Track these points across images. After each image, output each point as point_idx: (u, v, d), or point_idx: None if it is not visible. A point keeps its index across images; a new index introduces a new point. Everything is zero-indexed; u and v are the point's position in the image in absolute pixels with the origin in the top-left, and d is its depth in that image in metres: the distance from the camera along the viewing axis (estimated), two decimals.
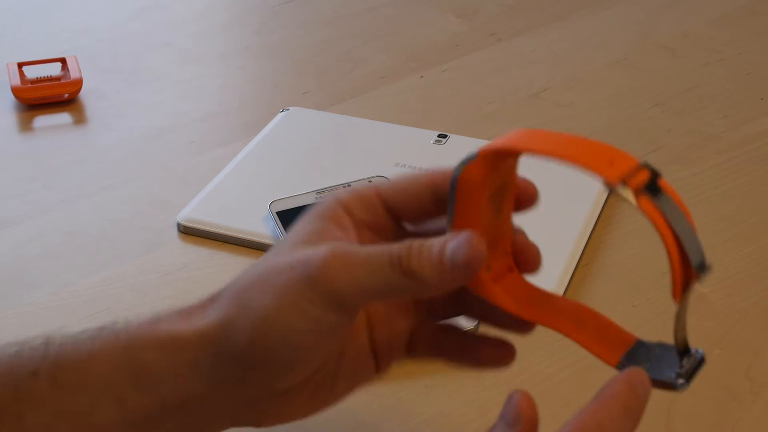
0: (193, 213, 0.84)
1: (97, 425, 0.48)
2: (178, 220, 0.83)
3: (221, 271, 0.79)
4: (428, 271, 0.46)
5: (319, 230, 0.50)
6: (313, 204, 0.77)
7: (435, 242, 0.47)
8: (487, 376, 0.65)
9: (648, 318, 0.74)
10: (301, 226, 0.51)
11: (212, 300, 0.51)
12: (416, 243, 0.47)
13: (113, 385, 0.48)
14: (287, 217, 0.80)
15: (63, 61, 1.04)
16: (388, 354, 0.53)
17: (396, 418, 0.65)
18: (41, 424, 0.47)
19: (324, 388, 0.51)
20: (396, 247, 0.47)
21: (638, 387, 0.45)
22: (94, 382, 0.48)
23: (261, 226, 0.81)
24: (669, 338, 0.72)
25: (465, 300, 0.54)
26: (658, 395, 0.67)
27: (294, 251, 0.48)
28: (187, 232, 0.83)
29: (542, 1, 1.21)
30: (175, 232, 0.83)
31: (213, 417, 0.50)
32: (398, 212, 0.52)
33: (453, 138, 0.92)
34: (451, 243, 0.46)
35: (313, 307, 0.46)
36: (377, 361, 0.53)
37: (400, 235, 0.52)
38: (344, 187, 0.83)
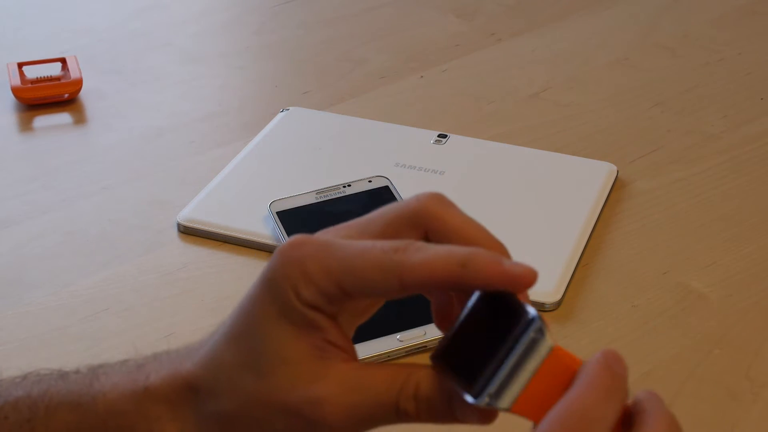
0: (193, 213, 0.84)
1: None
2: (178, 220, 0.83)
3: (221, 271, 0.79)
4: (438, 422, 0.45)
5: (294, 340, 0.45)
6: (313, 208, 0.76)
7: (441, 393, 0.45)
8: None
9: (648, 318, 0.74)
10: (273, 331, 0.45)
11: (196, 394, 0.47)
12: (423, 393, 0.45)
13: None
14: (287, 217, 0.80)
15: (63, 61, 1.04)
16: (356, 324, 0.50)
17: None
18: None
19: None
20: (402, 399, 0.45)
21: (614, 366, 0.43)
22: None
23: (261, 226, 0.81)
24: (670, 339, 0.72)
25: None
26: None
27: (286, 384, 0.45)
28: (187, 232, 0.83)
29: (542, 1, 1.21)
30: (175, 232, 0.83)
31: None
32: (361, 300, 0.47)
33: (453, 138, 0.92)
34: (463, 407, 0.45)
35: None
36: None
37: (361, 305, 0.48)
38: (344, 187, 0.82)
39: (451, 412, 0.44)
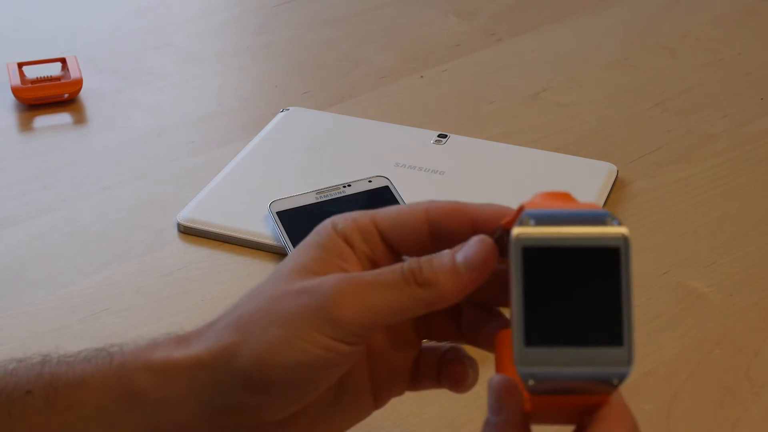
0: (193, 213, 0.84)
1: None
2: (178, 220, 0.83)
3: (221, 271, 0.79)
4: (443, 278, 0.46)
5: (321, 259, 0.49)
6: (313, 208, 0.76)
7: (444, 252, 0.47)
8: (487, 376, 0.65)
9: (648, 318, 0.74)
10: (300, 254, 0.49)
11: (209, 327, 0.49)
12: (425, 257, 0.47)
13: (105, 409, 0.48)
14: (287, 217, 0.80)
15: (63, 61, 1.04)
16: (388, 388, 0.52)
17: (396, 418, 0.65)
18: None
19: (320, 422, 0.51)
20: (405, 264, 0.47)
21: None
22: (86, 405, 0.48)
23: (261, 226, 0.81)
24: (670, 339, 0.72)
25: (465, 327, 0.53)
26: (658, 395, 0.67)
27: (297, 280, 0.48)
28: (187, 232, 0.83)
29: (542, 1, 1.21)
30: (175, 232, 0.83)
31: None
32: (395, 245, 0.50)
33: (453, 138, 0.92)
34: (462, 249, 0.47)
35: (325, 338, 0.46)
36: (376, 395, 0.52)
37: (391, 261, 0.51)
38: (344, 187, 0.83)
39: (454, 266, 0.46)
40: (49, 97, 1.00)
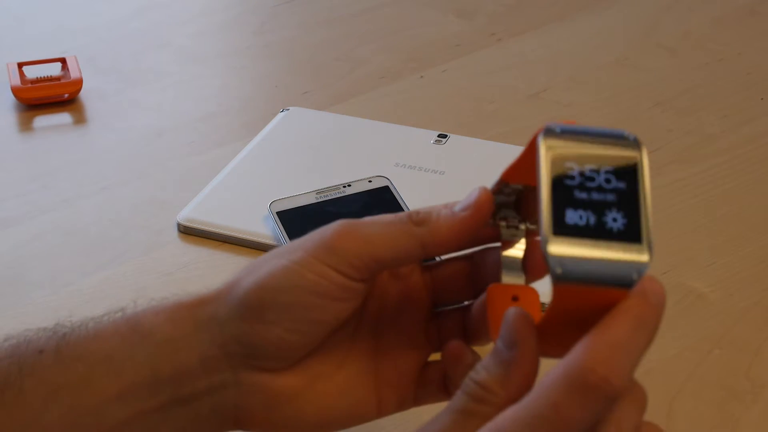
0: (193, 213, 0.84)
1: (94, 396, 0.48)
2: (178, 220, 0.83)
3: (221, 271, 0.79)
4: (437, 216, 0.49)
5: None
6: (313, 208, 0.76)
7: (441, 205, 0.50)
8: None
9: None
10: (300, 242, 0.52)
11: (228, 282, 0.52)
12: (424, 208, 0.50)
13: (111, 356, 0.49)
14: (287, 217, 0.80)
15: (63, 61, 1.04)
16: (392, 389, 0.52)
17: (396, 417, 0.65)
18: (41, 397, 0.48)
19: (322, 412, 0.51)
20: (408, 211, 0.50)
21: (651, 296, 0.42)
22: (94, 354, 0.49)
23: (261, 226, 0.81)
24: (670, 339, 0.72)
25: (474, 329, 0.53)
26: (658, 395, 0.67)
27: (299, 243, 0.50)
28: (187, 232, 0.83)
29: (542, 1, 1.21)
30: (175, 232, 0.83)
31: (204, 405, 0.50)
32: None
33: (453, 138, 0.92)
34: (459, 203, 0.50)
35: (323, 265, 0.48)
36: (379, 395, 0.52)
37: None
38: (344, 187, 0.82)
39: (452, 213, 0.50)
40: (49, 97, 1.00)
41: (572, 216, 0.42)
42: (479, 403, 0.43)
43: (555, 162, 0.42)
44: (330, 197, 0.82)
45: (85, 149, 0.96)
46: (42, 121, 0.99)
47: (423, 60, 1.09)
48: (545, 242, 0.41)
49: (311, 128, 0.96)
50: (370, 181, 0.83)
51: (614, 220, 0.42)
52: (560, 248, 0.41)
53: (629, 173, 0.42)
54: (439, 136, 0.93)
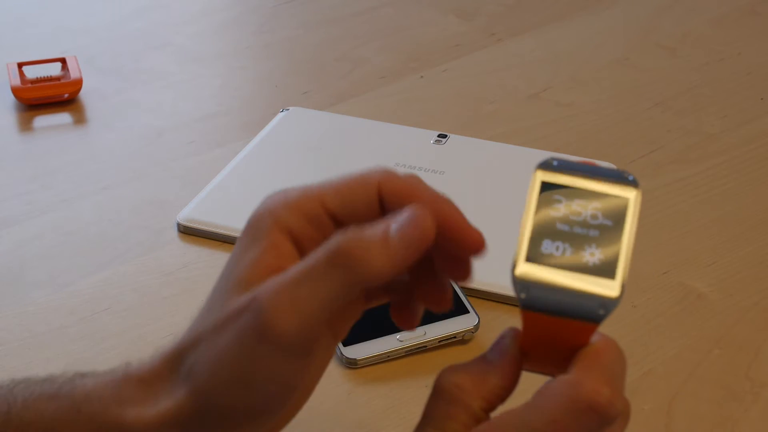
0: (193, 213, 0.84)
1: None
2: (178, 220, 0.83)
3: (221, 271, 0.79)
4: (374, 254, 0.42)
5: (255, 264, 0.46)
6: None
7: (377, 224, 0.44)
8: None
9: (648, 318, 0.74)
10: (235, 260, 0.47)
11: (170, 370, 0.47)
12: (353, 228, 0.43)
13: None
14: None
15: (63, 61, 1.04)
16: (344, 326, 0.49)
17: (396, 417, 0.65)
18: None
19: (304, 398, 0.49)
20: (333, 243, 0.43)
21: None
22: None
23: None
24: (670, 339, 0.72)
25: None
26: (658, 395, 0.67)
27: (234, 298, 0.45)
28: (187, 232, 0.83)
29: (542, 1, 1.21)
30: (175, 232, 0.83)
31: None
32: (346, 221, 0.46)
33: (453, 138, 0.92)
34: (396, 220, 0.43)
35: (276, 361, 0.44)
36: (335, 335, 0.49)
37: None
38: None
39: (388, 235, 0.43)
40: (49, 97, 1.00)
41: (548, 246, 0.42)
42: (453, 406, 0.43)
43: (543, 193, 0.43)
44: None
45: (85, 149, 0.96)
46: (42, 121, 0.99)
47: (423, 60, 1.09)
48: (514, 266, 0.42)
49: (311, 128, 0.96)
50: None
51: (591, 254, 0.42)
52: (528, 273, 0.41)
53: (618, 213, 0.42)
54: (439, 136, 0.93)
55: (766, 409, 0.66)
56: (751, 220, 0.84)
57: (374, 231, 0.43)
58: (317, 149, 0.92)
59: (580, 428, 0.41)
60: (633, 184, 0.43)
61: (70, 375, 0.49)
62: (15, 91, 1.00)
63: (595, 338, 0.43)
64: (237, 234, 0.80)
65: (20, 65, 1.03)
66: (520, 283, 0.42)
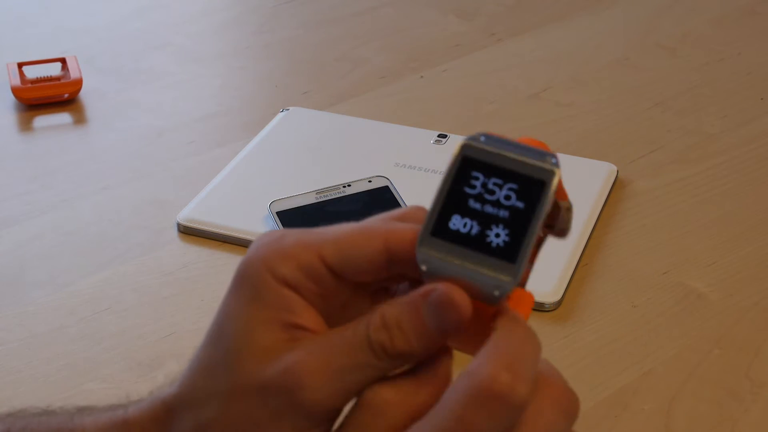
0: (193, 213, 0.84)
1: None
2: (178, 220, 0.83)
3: (221, 271, 0.79)
4: (416, 345, 0.41)
5: (268, 322, 0.43)
6: (313, 208, 0.75)
7: (409, 308, 0.42)
8: None
9: (648, 318, 0.74)
10: (238, 312, 0.44)
11: (170, 419, 0.45)
12: (390, 317, 0.42)
13: None
14: (287, 217, 0.80)
15: (63, 61, 1.04)
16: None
17: None
18: None
19: None
20: (371, 335, 0.41)
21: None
22: None
23: (261, 226, 0.81)
24: (670, 339, 0.72)
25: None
26: (658, 395, 0.67)
27: (254, 368, 0.43)
28: (187, 232, 0.83)
29: (542, 1, 1.21)
30: (175, 232, 0.83)
31: None
32: (348, 277, 0.43)
33: (453, 138, 0.92)
34: (430, 305, 0.41)
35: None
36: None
37: (345, 292, 0.45)
38: (344, 187, 0.83)
39: (426, 330, 0.41)
40: (49, 97, 1.00)
41: (457, 222, 0.42)
42: (377, 418, 0.41)
43: (462, 168, 0.42)
44: (330, 197, 0.82)
45: (85, 149, 0.96)
46: (42, 121, 0.99)
47: (423, 60, 1.09)
48: (419, 239, 0.42)
49: (311, 128, 0.96)
50: (370, 181, 0.83)
51: (497, 236, 0.41)
52: (430, 248, 0.41)
53: (533, 195, 0.42)
54: (439, 136, 0.93)
55: (766, 409, 0.66)
56: (751, 220, 0.84)
57: (414, 322, 0.41)
58: (317, 149, 0.92)
59: (490, 420, 0.38)
60: (553, 167, 0.42)
61: (70, 411, 0.49)
62: (15, 91, 1.00)
63: (502, 321, 0.41)
64: (237, 234, 0.81)
65: (20, 65, 1.03)
66: (420, 255, 0.42)
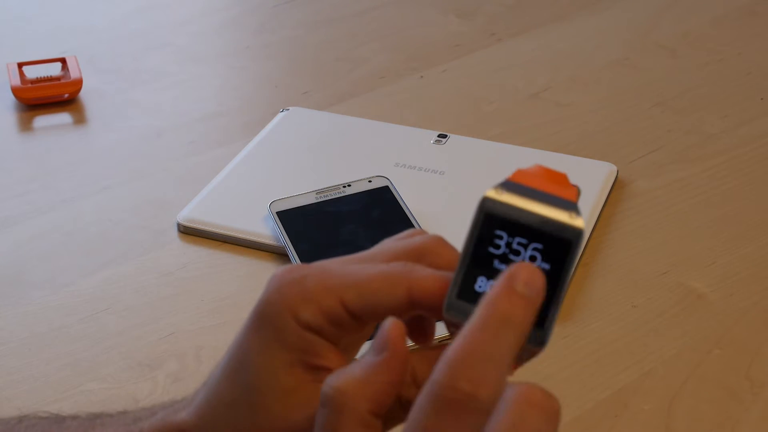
0: (193, 213, 0.84)
1: None
2: (178, 220, 0.83)
3: (221, 271, 0.79)
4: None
5: (291, 365, 0.43)
6: (313, 208, 0.75)
7: None
8: None
9: (648, 318, 0.74)
10: (259, 353, 0.44)
11: None
12: (422, 377, 0.41)
13: None
14: (287, 217, 0.80)
15: (63, 61, 1.04)
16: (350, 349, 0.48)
17: None
18: None
19: None
20: (404, 389, 0.41)
21: (518, 283, 0.39)
22: None
23: (261, 226, 0.81)
24: (670, 339, 0.72)
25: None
26: (658, 395, 0.67)
27: (278, 403, 0.43)
28: (187, 232, 0.83)
29: (542, 1, 1.21)
30: (175, 232, 0.83)
31: None
32: (364, 318, 0.44)
33: (453, 138, 0.92)
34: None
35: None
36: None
37: (366, 329, 0.45)
38: (344, 187, 0.82)
39: None
40: (49, 97, 1.00)
41: (483, 285, 0.41)
42: (338, 414, 0.40)
43: (485, 226, 0.41)
44: (330, 197, 0.82)
45: (85, 149, 0.96)
46: (42, 121, 0.99)
47: (423, 60, 1.09)
48: (446, 303, 0.41)
49: (311, 128, 0.96)
50: (370, 181, 0.83)
51: None
52: (458, 311, 0.41)
53: (558, 255, 0.40)
54: (439, 136, 0.93)
55: (766, 409, 0.66)
56: (751, 220, 0.84)
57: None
58: (317, 149, 0.92)
59: (456, 428, 0.37)
60: (577, 221, 0.40)
61: (83, 420, 0.49)
62: (15, 91, 1.00)
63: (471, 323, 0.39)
64: (237, 234, 0.81)
65: (20, 65, 1.03)
66: (449, 318, 0.41)
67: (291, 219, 0.80)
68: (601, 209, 0.84)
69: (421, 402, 0.38)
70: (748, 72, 1.06)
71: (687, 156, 0.92)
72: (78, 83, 1.01)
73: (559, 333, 0.72)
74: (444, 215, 0.80)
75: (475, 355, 0.38)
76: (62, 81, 1.01)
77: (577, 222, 0.40)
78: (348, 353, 0.45)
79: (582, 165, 0.89)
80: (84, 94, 1.02)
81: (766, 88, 1.02)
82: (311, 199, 0.82)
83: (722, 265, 0.79)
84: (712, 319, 0.74)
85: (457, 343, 0.38)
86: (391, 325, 0.40)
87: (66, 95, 1.01)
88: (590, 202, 0.83)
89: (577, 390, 0.67)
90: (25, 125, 0.99)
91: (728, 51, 1.09)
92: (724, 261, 0.79)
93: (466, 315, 0.40)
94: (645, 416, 0.66)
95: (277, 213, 0.80)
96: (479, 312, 0.38)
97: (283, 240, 0.78)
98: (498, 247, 0.41)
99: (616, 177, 0.87)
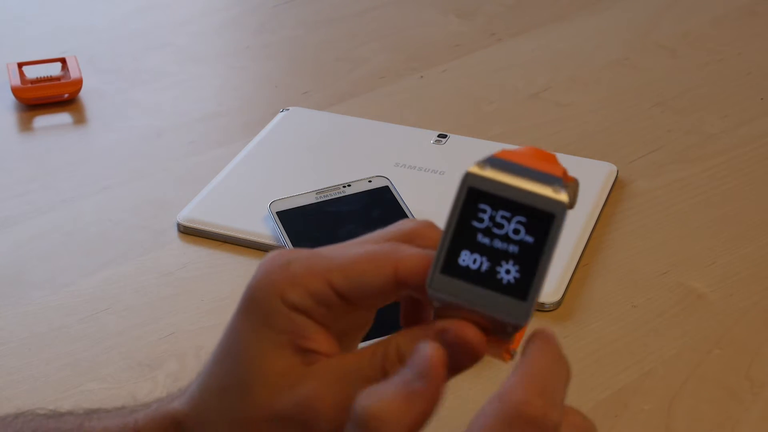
0: (193, 213, 0.84)
1: None
2: (178, 220, 0.83)
3: (221, 271, 0.79)
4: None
5: (280, 346, 0.43)
6: (313, 208, 0.75)
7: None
8: (486, 375, 0.65)
9: (648, 318, 0.74)
10: (248, 336, 0.44)
11: None
12: (407, 353, 0.41)
13: None
14: (287, 217, 0.80)
15: (63, 61, 1.04)
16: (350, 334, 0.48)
17: None
18: None
19: None
20: (389, 365, 0.42)
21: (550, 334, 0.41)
22: None
23: (261, 226, 0.81)
24: (670, 339, 0.72)
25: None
26: (658, 395, 0.67)
27: (268, 396, 0.43)
28: (187, 232, 0.83)
29: (542, 1, 1.21)
30: (175, 232, 0.83)
31: None
32: (352, 299, 0.44)
33: (453, 138, 0.92)
34: (444, 345, 0.41)
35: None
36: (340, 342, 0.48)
37: (356, 311, 0.45)
38: (344, 187, 0.83)
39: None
40: (49, 97, 1.00)
41: (466, 258, 0.41)
42: None
43: (469, 200, 0.41)
44: (330, 197, 0.82)
45: (85, 149, 0.96)
46: (42, 121, 0.99)
47: (423, 60, 1.09)
48: (429, 279, 0.41)
49: (311, 128, 0.96)
50: (370, 181, 0.83)
51: (507, 272, 0.41)
52: (442, 286, 0.41)
53: (542, 228, 0.41)
54: (439, 136, 0.93)
55: (766, 409, 0.66)
56: (751, 220, 0.84)
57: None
58: (317, 149, 0.92)
59: None
60: (561, 195, 0.41)
61: (79, 414, 0.49)
62: (15, 91, 1.00)
63: (534, 344, 0.41)
64: (237, 234, 0.81)
65: (20, 65, 1.03)
66: (432, 294, 0.41)
67: (291, 219, 0.80)
68: (601, 209, 0.84)
69: (488, 415, 0.39)
70: (748, 72, 1.06)
71: (687, 156, 0.92)
72: (78, 83, 1.01)
73: (559, 333, 0.71)
74: (444, 215, 0.79)
75: (550, 377, 0.40)
76: (62, 81, 1.01)
77: (561, 196, 0.41)
78: (344, 342, 0.45)
79: (582, 165, 0.89)
80: (84, 94, 1.02)
81: (766, 88, 1.03)
82: (311, 199, 0.82)
83: (722, 265, 0.79)
84: (712, 319, 0.74)
85: (527, 366, 0.40)
86: (434, 351, 0.40)
87: (66, 95, 1.01)
88: (590, 202, 0.83)
89: (577, 390, 0.66)
90: (25, 125, 0.99)
91: (728, 51, 1.09)
92: (724, 261, 0.79)
93: (449, 290, 0.41)
94: (645, 416, 0.66)
95: (277, 213, 0.80)
96: (539, 347, 0.41)
97: (283, 240, 0.78)
98: (481, 221, 0.41)
99: (616, 177, 0.88)
